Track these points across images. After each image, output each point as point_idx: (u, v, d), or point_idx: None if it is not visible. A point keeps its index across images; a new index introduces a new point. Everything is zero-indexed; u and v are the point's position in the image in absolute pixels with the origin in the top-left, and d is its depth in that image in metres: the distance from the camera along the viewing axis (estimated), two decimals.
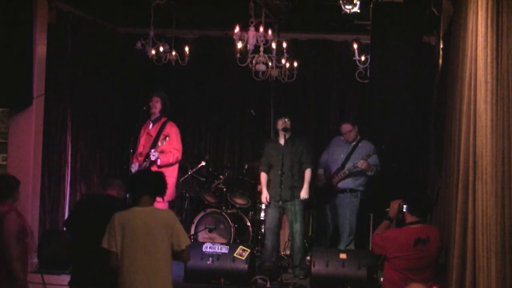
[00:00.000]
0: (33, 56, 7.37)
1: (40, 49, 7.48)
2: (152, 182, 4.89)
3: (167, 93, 8.37)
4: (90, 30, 8.93)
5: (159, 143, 7.88)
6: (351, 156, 8.16)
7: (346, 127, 8.21)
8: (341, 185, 8.15)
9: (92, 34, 8.96)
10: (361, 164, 7.96)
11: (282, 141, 7.87)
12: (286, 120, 7.92)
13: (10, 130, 7.59)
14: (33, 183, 7.47)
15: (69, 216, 5.34)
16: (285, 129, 7.83)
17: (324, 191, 8.22)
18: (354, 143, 8.22)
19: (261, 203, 8.42)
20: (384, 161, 8.50)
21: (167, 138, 7.83)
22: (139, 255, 4.62)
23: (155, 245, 4.64)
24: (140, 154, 8.14)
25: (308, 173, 7.90)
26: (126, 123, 9.42)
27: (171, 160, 7.98)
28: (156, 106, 8.14)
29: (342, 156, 8.22)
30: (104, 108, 9.35)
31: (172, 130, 8.08)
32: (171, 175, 8.04)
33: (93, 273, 5.23)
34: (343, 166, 8.17)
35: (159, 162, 7.94)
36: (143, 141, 8.18)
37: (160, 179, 4.95)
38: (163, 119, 8.20)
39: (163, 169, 7.90)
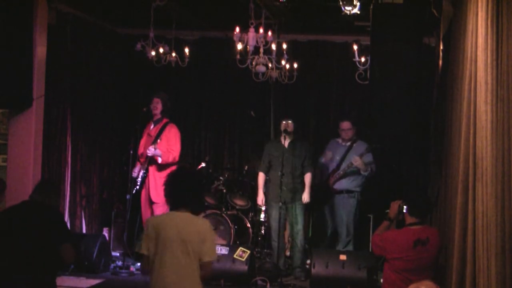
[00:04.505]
0: (33, 57, 7.36)
1: (40, 50, 7.47)
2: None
3: (167, 94, 8.38)
4: (90, 31, 8.93)
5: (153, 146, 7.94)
6: (346, 156, 8.18)
7: (346, 124, 8.24)
8: (337, 186, 8.16)
9: (92, 35, 8.96)
10: (355, 161, 7.98)
11: (283, 142, 7.88)
12: (289, 122, 7.95)
13: (10, 131, 7.57)
14: (33, 184, 7.42)
15: None
16: (285, 131, 7.84)
17: (321, 192, 8.22)
18: (349, 143, 8.24)
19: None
20: (384, 161, 8.49)
21: (158, 141, 7.88)
22: (169, 260, 4.49)
23: (187, 251, 4.50)
24: (141, 155, 8.15)
25: (308, 176, 7.93)
26: (126, 124, 9.42)
27: (170, 159, 7.99)
28: (157, 107, 8.16)
29: (338, 157, 8.24)
30: (104, 109, 9.35)
31: (171, 131, 8.10)
32: None
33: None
34: (338, 167, 8.19)
35: (159, 160, 7.94)
36: (143, 142, 8.19)
37: (201, 184, 4.86)
38: (165, 120, 8.20)
39: (164, 172, 7.92)
